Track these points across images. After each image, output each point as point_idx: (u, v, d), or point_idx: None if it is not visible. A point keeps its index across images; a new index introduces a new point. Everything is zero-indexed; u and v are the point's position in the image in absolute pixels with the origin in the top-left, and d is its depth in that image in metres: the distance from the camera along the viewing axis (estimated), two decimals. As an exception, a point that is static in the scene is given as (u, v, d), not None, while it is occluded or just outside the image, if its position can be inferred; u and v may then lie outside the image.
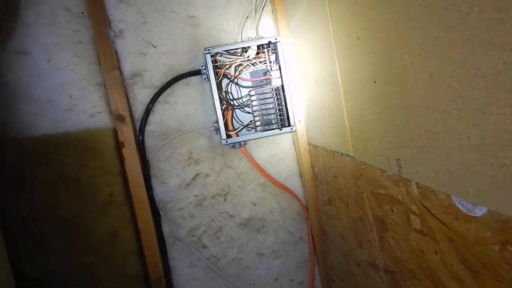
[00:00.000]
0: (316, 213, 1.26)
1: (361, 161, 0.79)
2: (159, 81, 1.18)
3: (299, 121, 1.24)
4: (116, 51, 1.15)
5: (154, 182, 1.21)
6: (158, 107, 1.20)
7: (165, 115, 1.20)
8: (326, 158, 1.05)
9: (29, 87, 1.11)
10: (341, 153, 0.92)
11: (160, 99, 1.19)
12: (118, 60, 1.15)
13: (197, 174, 1.23)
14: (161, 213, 1.23)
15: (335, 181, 1.01)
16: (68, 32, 1.13)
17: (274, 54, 1.19)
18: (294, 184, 1.30)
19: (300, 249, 1.29)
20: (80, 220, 1.16)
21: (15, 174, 1.12)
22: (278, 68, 1.20)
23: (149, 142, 1.20)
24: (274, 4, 1.18)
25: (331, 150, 0.99)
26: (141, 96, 1.18)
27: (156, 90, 1.18)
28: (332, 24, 0.80)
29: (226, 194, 1.25)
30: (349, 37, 0.72)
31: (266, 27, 1.23)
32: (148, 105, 1.18)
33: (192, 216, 1.23)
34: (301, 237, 1.29)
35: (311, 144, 1.20)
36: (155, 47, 1.17)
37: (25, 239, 1.12)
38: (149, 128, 1.20)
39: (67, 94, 1.14)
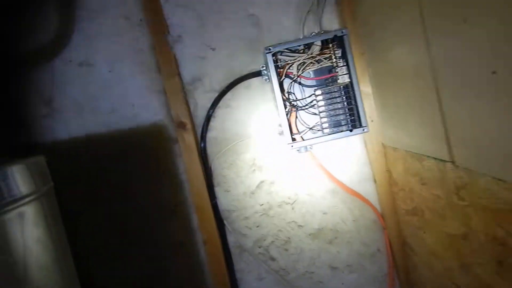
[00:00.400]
0: (395, 222, 1.13)
1: (466, 168, 0.66)
2: (219, 85, 1.13)
3: (372, 121, 1.12)
4: (175, 56, 1.11)
5: (218, 190, 1.16)
6: (219, 112, 1.14)
7: (227, 120, 1.15)
8: (411, 163, 0.92)
9: (94, 98, 1.12)
10: (434, 157, 0.78)
11: (221, 103, 1.14)
12: (178, 66, 1.12)
13: (261, 182, 1.16)
14: (225, 222, 1.17)
15: (425, 190, 0.87)
16: (128, 41, 1.12)
17: (340, 49, 1.08)
18: (367, 190, 1.18)
19: (378, 262, 1.17)
20: (146, 231, 1.14)
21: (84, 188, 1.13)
22: (345, 63, 1.08)
23: (211, 148, 1.15)
24: (340, -7, 1.07)
25: (418, 154, 0.86)
26: (201, 101, 1.13)
27: (217, 95, 1.13)
28: (424, 6, 0.67)
29: (293, 203, 1.16)
30: (450, 19, 0.60)
31: (331, 19, 1.12)
32: (208, 111, 1.13)
33: (258, 226, 1.16)
34: (378, 249, 1.16)
35: (388, 146, 1.07)
36: (214, 50, 1.11)
37: (93, 250, 1.13)
38: (210, 134, 1.15)
39: (129, 104, 1.13)
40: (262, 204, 1.16)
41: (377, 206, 1.17)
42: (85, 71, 1.11)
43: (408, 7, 0.73)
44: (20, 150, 1.11)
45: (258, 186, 1.16)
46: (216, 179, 1.16)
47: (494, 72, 0.52)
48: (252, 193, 1.16)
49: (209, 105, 1.13)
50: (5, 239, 0.59)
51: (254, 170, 1.15)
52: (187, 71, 1.12)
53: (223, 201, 1.17)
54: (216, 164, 1.16)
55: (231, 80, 1.13)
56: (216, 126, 1.15)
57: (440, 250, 0.84)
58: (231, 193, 1.16)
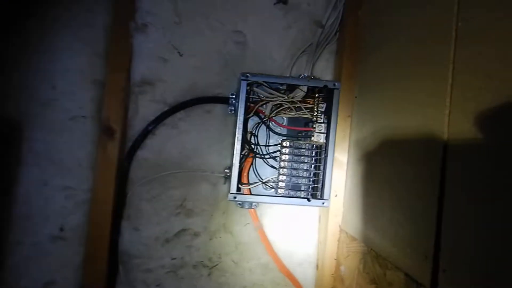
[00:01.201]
0: (328, 328, 0.91)
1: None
2: (173, 98, 0.91)
3: (336, 195, 0.93)
4: (131, 47, 0.88)
5: (125, 225, 0.89)
6: (162, 130, 0.91)
7: (168, 143, 0.91)
8: (371, 266, 0.73)
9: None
10: (406, 273, 0.60)
11: (168, 120, 0.91)
12: (130, 60, 0.89)
13: (184, 230, 0.91)
14: (120, 268, 0.89)
15: (380, 307, 0.67)
16: (79, 12, 0.88)
17: (326, 104, 0.91)
18: (306, 276, 0.97)
19: None
20: None
21: None
22: (326, 121, 0.92)
23: (136, 172, 0.90)
24: (344, 42, 0.92)
25: (385, 259, 0.67)
26: (144, 111, 0.90)
27: (166, 108, 0.90)
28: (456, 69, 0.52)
29: (213, 267, 0.92)
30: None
31: (325, 68, 0.97)
32: (149, 125, 0.89)
33: (158, 286, 0.89)
34: None
35: (345, 232, 0.88)
36: (181, 56, 0.90)
37: None
38: (142, 153, 0.90)
39: (50, 84, 0.86)
40: (174, 259, 0.90)
41: (312, 300, 0.96)
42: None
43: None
44: None
45: (177, 234, 0.90)
46: (128, 211, 0.89)
47: None
48: (167, 241, 0.90)
49: (152, 118, 0.89)
50: None
51: (180, 213, 0.91)
52: (140, 70, 0.89)
53: (127, 240, 0.89)
54: (135, 193, 0.90)
55: (190, 97, 0.91)
56: (153, 146, 0.90)
57: None
58: (141, 233, 0.89)
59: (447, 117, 0.52)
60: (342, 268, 0.89)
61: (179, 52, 0.89)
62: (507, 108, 0.42)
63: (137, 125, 0.89)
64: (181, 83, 0.90)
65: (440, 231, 0.52)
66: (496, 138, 0.43)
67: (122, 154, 0.88)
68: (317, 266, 0.97)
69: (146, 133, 0.89)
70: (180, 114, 0.91)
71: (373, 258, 0.72)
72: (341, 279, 0.89)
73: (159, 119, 0.89)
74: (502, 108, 0.42)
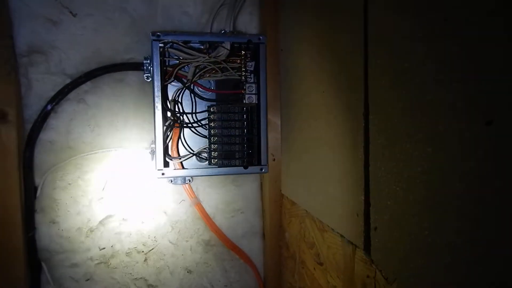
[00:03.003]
0: (277, 296, 0.87)
1: (386, 269, 0.43)
2: (75, 69, 0.78)
3: (274, 159, 0.87)
4: (7, 8, 0.73)
5: (40, 219, 0.78)
6: (67, 106, 0.78)
7: (77, 121, 0.79)
8: (309, 229, 0.68)
9: None
10: (341, 235, 0.55)
11: (71, 95, 0.78)
12: (11, 24, 0.73)
13: (109, 216, 0.81)
14: (43, 266, 0.79)
15: (319, 272, 0.63)
16: None
17: (254, 62, 0.82)
18: (253, 247, 0.92)
19: None
20: None
21: None
22: (256, 81, 0.83)
23: (43, 157, 0.78)
24: (265, -9, 0.82)
25: (321, 222, 0.63)
26: (40, 86, 0.76)
27: (68, 81, 0.77)
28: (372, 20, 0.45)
29: (149, 252, 0.84)
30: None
31: (248, 22, 0.87)
32: (48, 103, 0.76)
33: (89, 280, 0.80)
34: (251, 328, 0.90)
35: (287, 197, 0.83)
36: (74, 16, 0.76)
37: None
38: (46, 136, 0.77)
39: None
40: (103, 248, 0.81)
41: (261, 271, 0.91)
42: None
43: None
44: None
45: (102, 222, 0.81)
46: (42, 203, 0.78)
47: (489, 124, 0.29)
48: (92, 230, 0.80)
49: (51, 93, 0.76)
50: None
51: (103, 198, 0.81)
52: (24, 36, 0.75)
53: (45, 235, 0.79)
54: (46, 181, 0.78)
55: (95, 66, 0.78)
56: (58, 126, 0.78)
57: None
58: (60, 226, 0.79)
59: (363, 64, 0.45)
60: (286, 234, 0.85)
61: (71, 12, 0.75)
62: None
63: (34, 104, 0.76)
64: (81, 49, 0.77)
65: (369, 187, 0.47)
66: (410, 93, 0.37)
67: (21, 139, 0.75)
68: (264, 235, 0.92)
69: (46, 113, 0.76)
70: (86, 86, 0.78)
71: (311, 221, 0.67)
72: (286, 246, 0.84)
73: (60, 94, 0.76)
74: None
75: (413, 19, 0.36)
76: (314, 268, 0.66)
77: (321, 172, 0.61)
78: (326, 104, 0.58)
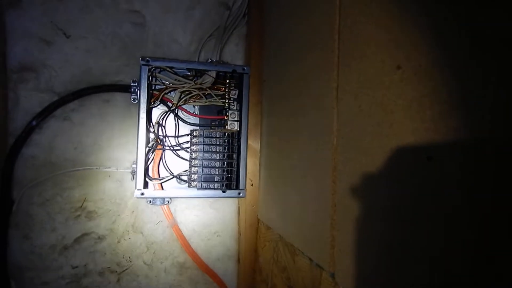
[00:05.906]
0: (249, 322, 0.88)
1: (347, 292, 0.45)
2: (63, 87, 0.80)
3: (252, 185, 0.90)
4: (4, 25, 0.76)
5: (13, 234, 0.78)
6: (52, 123, 0.80)
7: (60, 138, 0.81)
8: (282, 254, 0.71)
9: None
10: (310, 258, 0.57)
11: (58, 112, 0.80)
12: (5, 41, 0.76)
13: (85, 234, 0.81)
14: (12, 284, 0.77)
15: (289, 296, 0.65)
16: None
17: (237, 90, 0.87)
18: (227, 271, 0.92)
19: None
20: None
21: None
22: (238, 108, 0.88)
23: (23, 172, 0.78)
24: (251, 26, 0.88)
25: (292, 245, 0.65)
26: (27, 102, 0.78)
27: (55, 99, 0.79)
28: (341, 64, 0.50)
29: (122, 272, 0.83)
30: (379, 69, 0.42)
31: (234, 53, 0.92)
32: (33, 119, 0.78)
33: (59, 300, 0.79)
34: None
35: (263, 222, 0.85)
36: (68, 38, 0.80)
37: None
38: (28, 151, 0.78)
39: None
40: (76, 267, 0.80)
41: (234, 295, 0.92)
42: None
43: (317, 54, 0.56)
44: None
45: (77, 240, 0.81)
46: (16, 218, 0.78)
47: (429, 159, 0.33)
48: (66, 248, 0.80)
49: (38, 109, 0.78)
50: None
51: (80, 215, 0.81)
52: (17, 54, 0.77)
53: (16, 251, 0.78)
54: (24, 196, 0.78)
55: (84, 85, 0.81)
56: (41, 142, 0.79)
57: None
58: (33, 242, 0.78)
59: (336, 108, 0.50)
60: (260, 259, 0.86)
61: (64, 34, 0.78)
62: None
63: (19, 119, 0.77)
64: (72, 69, 0.80)
65: (335, 212, 0.50)
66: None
67: (2, 153, 0.76)
68: (239, 260, 0.94)
69: (31, 127, 0.77)
70: (72, 105, 0.80)
71: (284, 245, 0.69)
72: (260, 270, 0.86)
73: (47, 111, 0.78)
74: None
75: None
76: (285, 292, 0.67)
77: (294, 198, 0.64)
78: (301, 134, 0.62)
